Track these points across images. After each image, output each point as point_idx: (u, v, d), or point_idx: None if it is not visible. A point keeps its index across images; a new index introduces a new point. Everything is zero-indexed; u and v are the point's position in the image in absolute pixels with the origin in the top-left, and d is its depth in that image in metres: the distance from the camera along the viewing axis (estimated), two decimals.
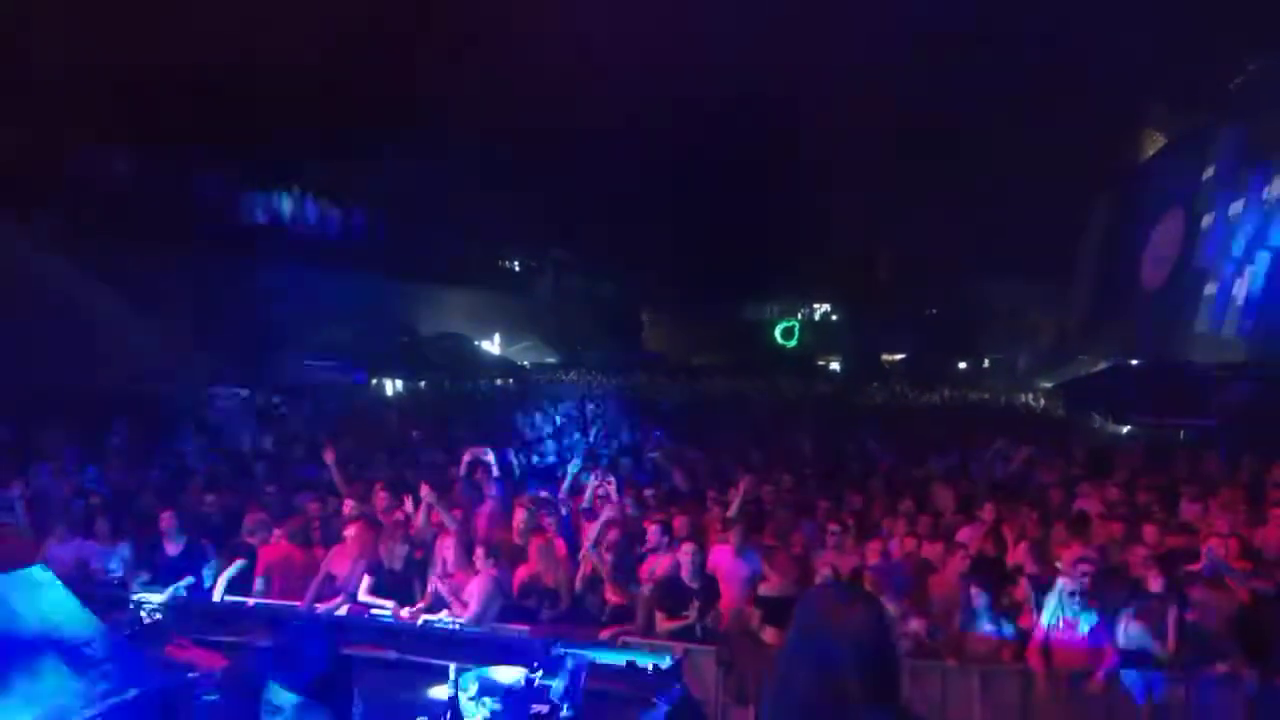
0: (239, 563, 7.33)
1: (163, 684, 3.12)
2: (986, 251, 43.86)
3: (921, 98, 35.69)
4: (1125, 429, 15.76)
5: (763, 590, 6.61)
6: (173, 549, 7.40)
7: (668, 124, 40.04)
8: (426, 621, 6.78)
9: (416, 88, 29.75)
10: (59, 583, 3.26)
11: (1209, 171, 27.65)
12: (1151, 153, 36.88)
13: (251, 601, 6.95)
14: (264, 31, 23.15)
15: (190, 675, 3.27)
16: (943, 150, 37.31)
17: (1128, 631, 6.02)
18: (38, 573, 3.28)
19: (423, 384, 22.18)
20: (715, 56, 36.84)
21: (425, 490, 7.54)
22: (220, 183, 25.49)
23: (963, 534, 7.82)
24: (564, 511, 7.97)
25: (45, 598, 3.15)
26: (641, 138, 39.97)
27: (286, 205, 28.19)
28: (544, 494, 8.64)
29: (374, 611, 6.81)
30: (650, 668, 3.58)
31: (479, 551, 6.73)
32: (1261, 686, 5.60)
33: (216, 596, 7.01)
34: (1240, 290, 22.82)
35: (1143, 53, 30.04)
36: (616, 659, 3.83)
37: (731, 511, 8.11)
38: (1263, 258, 21.91)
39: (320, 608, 6.58)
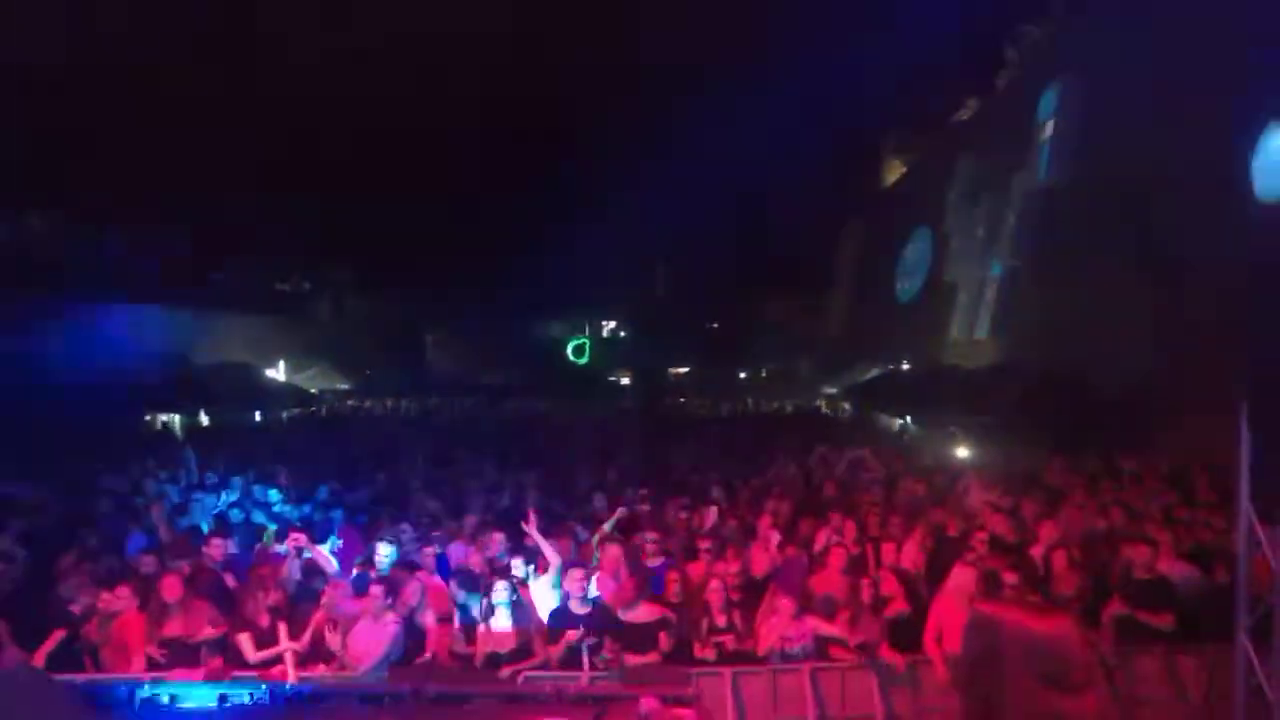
0: (58, 635, 6.35)
1: None
2: (756, 268, 47.06)
3: (697, 124, 37.62)
4: (910, 426, 17.32)
5: (628, 617, 6.29)
6: None
7: (449, 140, 39.49)
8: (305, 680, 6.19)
9: (182, 99, 27.46)
10: None
11: (951, 196, 31.19)
12: (895, 179, 41.12)
13: (80, 679, 6.05)
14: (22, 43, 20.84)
15: None
16: (707, 174, 39.46)
17: None
18: None
19: (205, 418, 20.24)
20: (504, 75, 36.91)
21: (296, 537, 6.90)
22: None
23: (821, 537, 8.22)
24: (438, 550, 7.57)
25: None
26: (420, 153, 39.12)
27: (35, 227, 24.63)
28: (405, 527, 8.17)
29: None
30: None
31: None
32: None
33: None
34: (987, 299, 25.92)
35: (884, 86, 33.69)
36: None
37: (606, 530, 8.04)
38: (1002, 271, 25.05)
39: (177, 677, 5.79)
